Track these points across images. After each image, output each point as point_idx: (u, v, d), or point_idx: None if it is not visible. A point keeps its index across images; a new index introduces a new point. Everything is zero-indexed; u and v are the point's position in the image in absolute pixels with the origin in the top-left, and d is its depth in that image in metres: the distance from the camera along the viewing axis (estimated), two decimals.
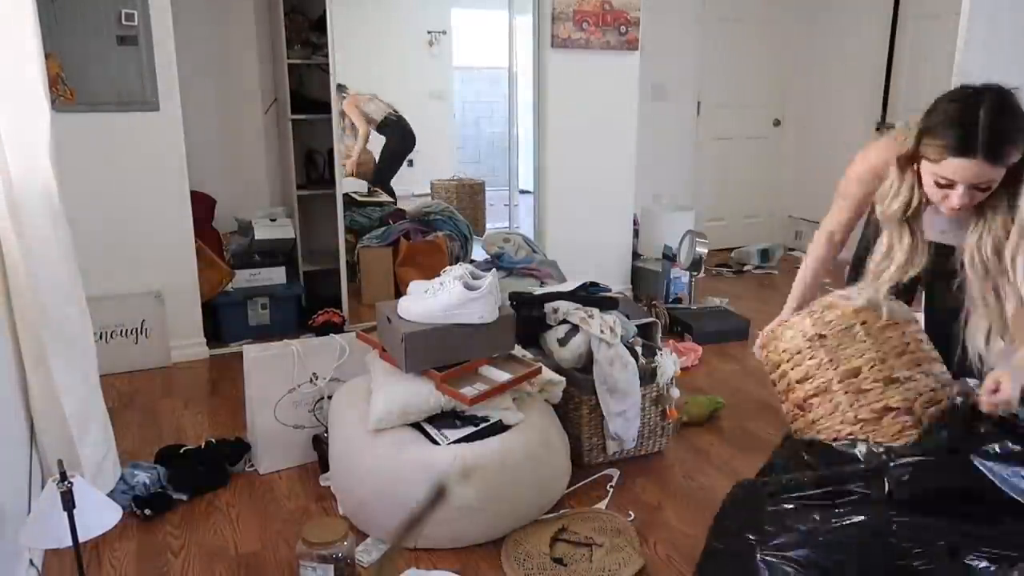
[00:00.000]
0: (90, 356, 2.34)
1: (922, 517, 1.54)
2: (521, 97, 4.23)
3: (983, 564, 1.46)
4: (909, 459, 1.62)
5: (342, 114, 4.02)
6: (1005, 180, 1.68)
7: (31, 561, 1.93)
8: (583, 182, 4.31)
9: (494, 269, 2.70)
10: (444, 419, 2.26)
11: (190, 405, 3.14)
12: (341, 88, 3.87)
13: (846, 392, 1.82)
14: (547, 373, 2.48)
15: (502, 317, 2.35)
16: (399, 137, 4.41)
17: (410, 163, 4.46)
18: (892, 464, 1.63)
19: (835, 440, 1.81)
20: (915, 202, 1.81)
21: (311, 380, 2.61)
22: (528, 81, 4.18)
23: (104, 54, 3.22)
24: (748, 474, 2.08)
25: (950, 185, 1.69)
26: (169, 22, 3.31)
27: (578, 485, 2.49)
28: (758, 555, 1.59)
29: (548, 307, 2.69)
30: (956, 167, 1.65)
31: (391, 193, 4.47)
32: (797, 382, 1.91)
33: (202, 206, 3.89)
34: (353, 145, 4.26)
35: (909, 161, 1.79)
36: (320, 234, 4.23)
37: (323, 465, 2.54)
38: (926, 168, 1.74)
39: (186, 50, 3.60)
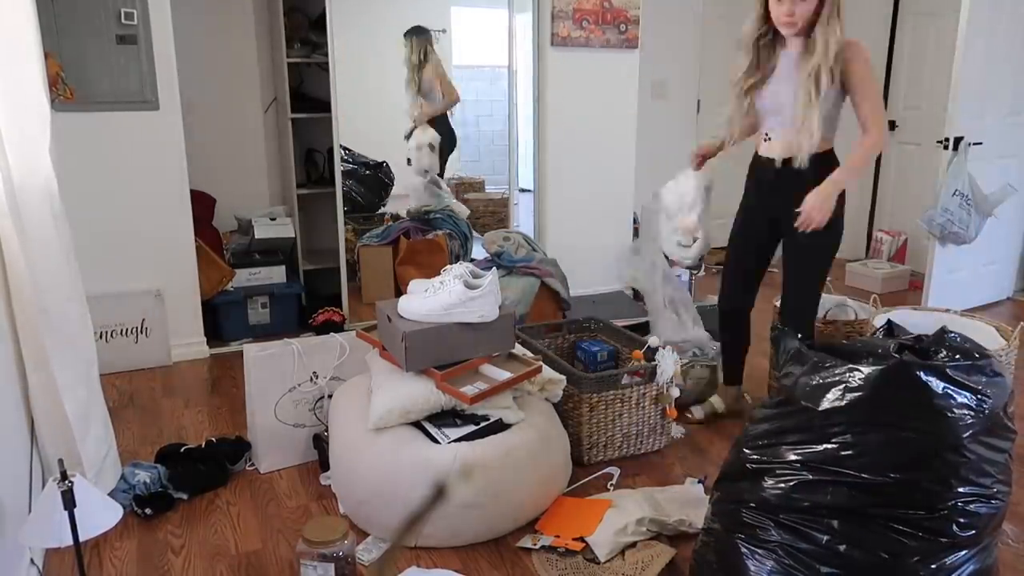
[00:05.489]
0: (90, 355, 2.34)
1: None
2: (521, 96, 4.24)
3: None
4: None
5: None
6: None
7: (32, 560, 1.94)
8: (583, 180, 4.32)
9: (494, 268, 2.71)
10: (444, 418, 2.26)
11: (190, 404, 3.14)
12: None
13: None
14: (547, 372, 2.48)
15: (502, 316, 2.35)
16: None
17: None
18: None
19: None
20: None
21: (311, 379, 2.61)
22: (528, 80, 4.18)
23: (104, 53, 3.22)
24: None
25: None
26: (168, 21, 3.31)
27: (578, 484, 2.50)
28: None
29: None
30: None
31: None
32: None
33: (202, 205, 3.89)
34: None
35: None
36: (320, 233, 4.23)
37: (323, 464, 2.55)
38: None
39: (186, 49, 3.60)
